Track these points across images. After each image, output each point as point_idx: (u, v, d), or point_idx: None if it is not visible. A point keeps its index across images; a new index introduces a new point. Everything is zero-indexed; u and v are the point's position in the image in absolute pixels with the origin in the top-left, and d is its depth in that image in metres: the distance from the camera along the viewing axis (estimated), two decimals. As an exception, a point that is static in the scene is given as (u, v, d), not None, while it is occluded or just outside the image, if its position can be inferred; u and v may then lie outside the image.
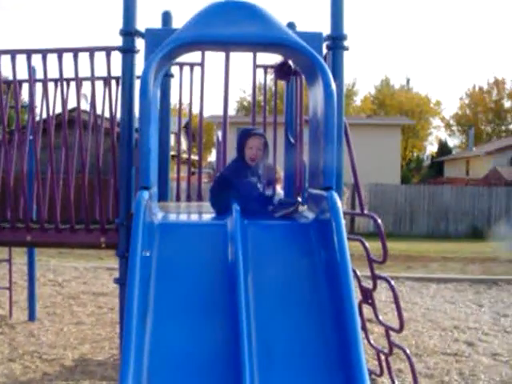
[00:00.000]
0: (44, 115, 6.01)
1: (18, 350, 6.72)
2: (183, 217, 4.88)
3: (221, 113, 5.76)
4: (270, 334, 3.26)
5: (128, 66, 4.58)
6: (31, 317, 8.11)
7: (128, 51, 4.56)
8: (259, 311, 3.33)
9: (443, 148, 59.13)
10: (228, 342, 3.15)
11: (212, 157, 29.89)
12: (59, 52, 4.86)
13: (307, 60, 4.03)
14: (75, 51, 4.86)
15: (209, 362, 3.12)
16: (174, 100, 6.17)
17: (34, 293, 8.22)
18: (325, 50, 4.67)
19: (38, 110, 6.25)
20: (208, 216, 4.57)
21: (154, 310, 3.31)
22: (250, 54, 5.72)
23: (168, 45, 3.94)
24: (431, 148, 65.80)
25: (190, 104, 6.01)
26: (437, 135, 67.57)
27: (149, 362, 3.08)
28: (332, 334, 3.28)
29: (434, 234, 25.30)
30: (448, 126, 66.78)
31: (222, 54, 5.51)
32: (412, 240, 21.94)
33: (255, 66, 5.78)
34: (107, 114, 5.12)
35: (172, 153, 7.28)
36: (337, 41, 4.60)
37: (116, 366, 6.01)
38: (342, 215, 3.61)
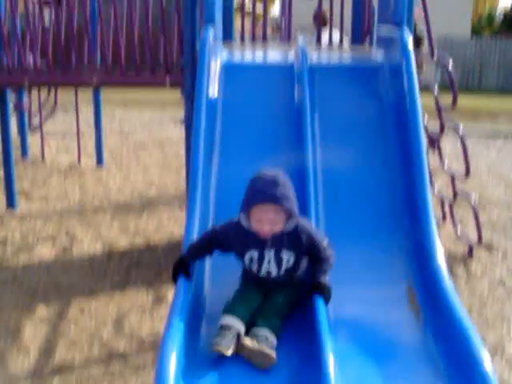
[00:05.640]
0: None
1: (88, 193, 6.95)
2: (248, 57, 4.76)
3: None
4: (335, 174, 3.25)
5: None
6: (99, 162, 8.28)
7: None
8: (325, 150, 3.32)
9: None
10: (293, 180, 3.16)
11: (275, 11, 28.82)
12: None
13: None
14: None
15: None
16: None
17: (101, 139, 8.31)
18: None
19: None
20: (273, 57, 4.46)
21: (220, 148, 3.33)
22: None
23: None
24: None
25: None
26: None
27: (215, 198, 3.14)
28: (398, 176, 3.25)
29: (504, 89, 24.48)
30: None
31: None
32: (481, 94, 21.25)
33: None
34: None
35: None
36: None
37: (182, 208, 6.17)
38: (412, 55, 3.47)
